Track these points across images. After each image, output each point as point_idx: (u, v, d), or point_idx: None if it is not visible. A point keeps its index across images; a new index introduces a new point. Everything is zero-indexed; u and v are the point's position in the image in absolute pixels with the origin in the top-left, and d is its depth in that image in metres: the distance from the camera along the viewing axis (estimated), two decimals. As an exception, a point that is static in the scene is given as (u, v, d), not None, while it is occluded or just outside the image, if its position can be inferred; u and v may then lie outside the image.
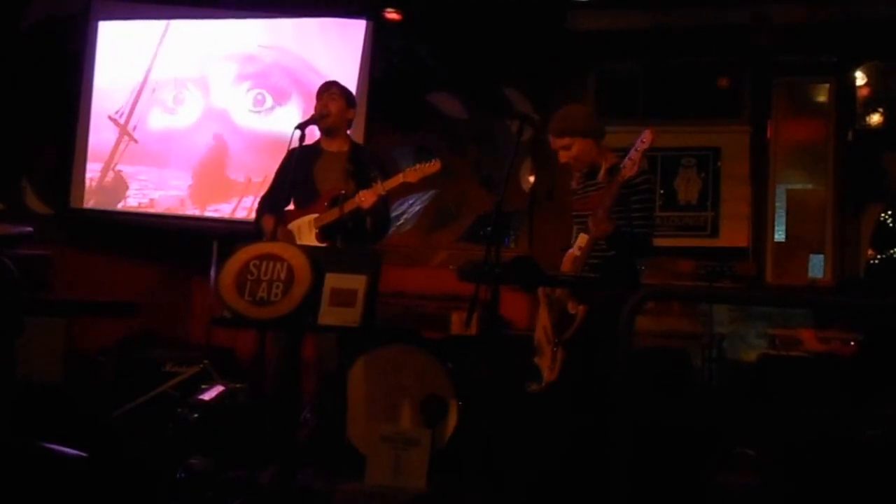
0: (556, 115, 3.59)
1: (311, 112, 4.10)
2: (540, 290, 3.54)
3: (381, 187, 3.89)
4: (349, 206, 3.89)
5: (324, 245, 3.91)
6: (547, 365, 3.42)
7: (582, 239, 3.37)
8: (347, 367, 3.99)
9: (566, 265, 3.44)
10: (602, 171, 3.48)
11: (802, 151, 5.77)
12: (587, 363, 3.30)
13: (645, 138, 3.23)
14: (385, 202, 4.03)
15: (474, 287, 3.35)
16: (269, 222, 3.97)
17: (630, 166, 3.23)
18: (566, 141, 3.50)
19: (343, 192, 3.91)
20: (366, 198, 3.87)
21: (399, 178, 3.90)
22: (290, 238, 3.95)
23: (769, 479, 3.62)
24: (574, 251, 3.40)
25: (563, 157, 3.53)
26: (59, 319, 4.77)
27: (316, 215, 3.98)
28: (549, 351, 3.43)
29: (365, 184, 3.93)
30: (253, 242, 3.33)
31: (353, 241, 3.92)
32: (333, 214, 3.90)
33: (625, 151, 3.31)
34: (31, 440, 2.90)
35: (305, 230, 4.00)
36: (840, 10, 5.42)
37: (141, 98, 5.58)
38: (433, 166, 3.89)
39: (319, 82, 4.24)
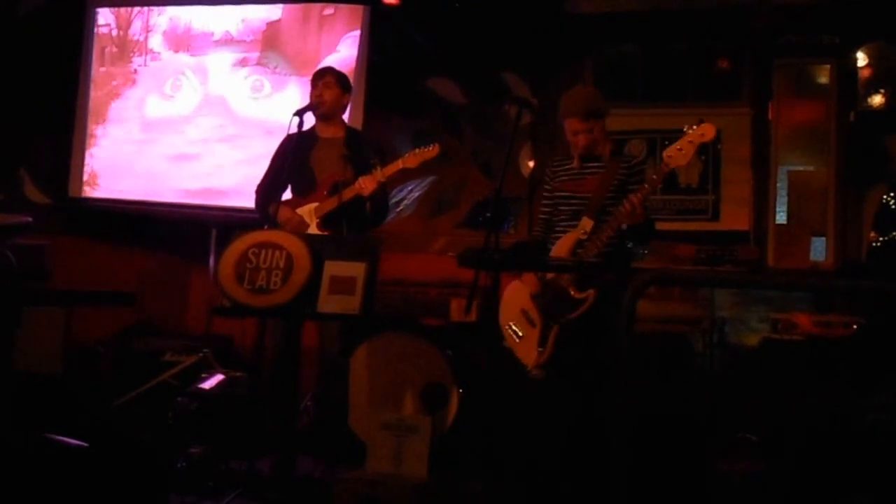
0: (574, 98, 3.47)
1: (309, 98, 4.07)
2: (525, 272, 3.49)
3: (380, 174, 3.86)
4: (349, 193, 3.86)
5: (325, 233, 3.89)
6: (533, 346, 3.36)
7: (587, 223, 3.32)
8: (349, 354, 3.98)
9: (566, 247, 3.39)
10: (607, 155, 3.43)
11: (804, 133, 5.72)
12: (590, 348, 3.26)
13: (707, 133, 3.07)
14: (384, 188, 4.00)
15: (474, 273, 3.33)
16: (284, 211, 3.92)
17: (679, 157, 3.10)
18: (591, 124, 3.40)
19: (342, 178, 3.88)
20: (366, 184, 3.84)
21: (398, 164, 3.87)
22: (302, 226, 3.92)
23: (772, 465, 3.61)
24: (578, 234, 3.34)
25: (585, 139, 3.41)
26: (58, 310, 4.76)
27: (316, 204, 3.95)
28: (534, 333, 3.37)
29: (362, 169, 3.90)
30: (252, 231, 3.31)
31: (352, 228, 3.89)
32: (333, 202, 3.87)
33: (622, 135, 3.26)
34: (31, 431, 2.90)
35: (306, 219, 3.98)
36: (841, -11, 5.37)
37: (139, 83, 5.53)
38: (432, 151, 3.86)
39: (317, 68, 4.20)
